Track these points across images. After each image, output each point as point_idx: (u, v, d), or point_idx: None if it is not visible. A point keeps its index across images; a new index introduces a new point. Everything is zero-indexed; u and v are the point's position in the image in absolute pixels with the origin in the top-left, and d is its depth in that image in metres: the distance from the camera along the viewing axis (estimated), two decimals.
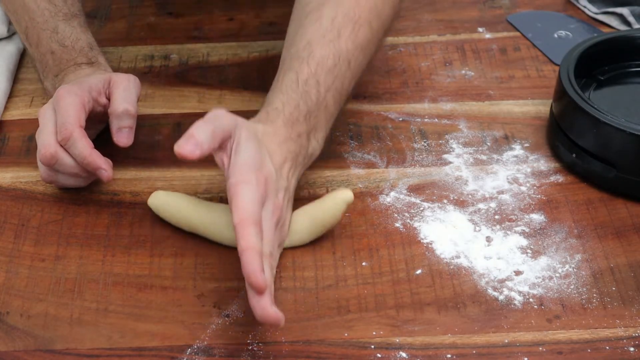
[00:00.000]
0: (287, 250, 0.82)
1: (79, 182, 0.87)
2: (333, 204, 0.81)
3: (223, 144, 0.76)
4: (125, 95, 0.87)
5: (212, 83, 1.04)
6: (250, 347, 0.74)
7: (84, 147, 0.83)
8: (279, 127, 0.81)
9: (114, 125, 0.87)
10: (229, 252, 0.82)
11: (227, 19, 1.15)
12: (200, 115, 0.98)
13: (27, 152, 0.94)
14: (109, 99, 0.87)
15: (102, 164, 0.83)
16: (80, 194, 0.88)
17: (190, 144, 0.73)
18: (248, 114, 0.98)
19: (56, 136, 0.83)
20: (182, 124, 0.97)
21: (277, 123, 0.81)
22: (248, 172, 0.74)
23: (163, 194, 0.84)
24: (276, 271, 0.80)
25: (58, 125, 0.83)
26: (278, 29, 1.12)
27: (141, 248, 0.83)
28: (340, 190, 0.82)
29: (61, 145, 0.83)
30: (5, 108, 1.00)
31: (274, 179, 0.77)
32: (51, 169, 0.84)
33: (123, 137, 0.87)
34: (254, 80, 1.04)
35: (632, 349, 0.74)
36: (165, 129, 0.97)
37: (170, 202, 0.84)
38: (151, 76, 1.05)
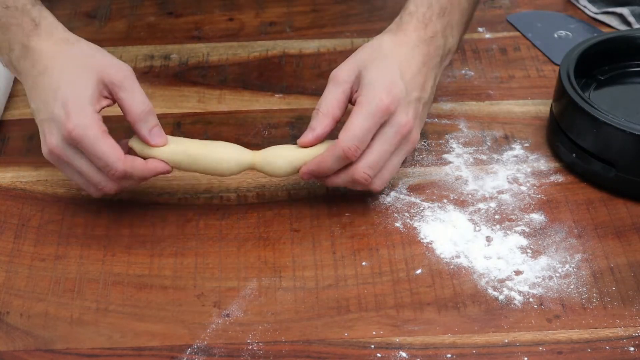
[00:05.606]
0: (287, 250, 0.82)
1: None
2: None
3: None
4: (136, 95, 0.82)
5: (212, 83, 1.04)
6: (250, 347, 0.74)
7: (139, 173, 0.80)
8: (410, 32, 0.84)
9: (143, 129, 0.82)
10: (229, 252, 0.82)
11: (227, 19, 1.15)
12: (200, 114, 0.99)
13: (27, 152, 0.94)
14: (110, 97, 0.82)
15: (161, 168, 0.82)
16: (80, 194, 0.88)
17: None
18: (248, 114, 0.99)
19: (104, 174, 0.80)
20: (182, 123, 0.97)
21: (409, 28, 0.84)
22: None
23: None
24: (276, 271, 0.80)
25: (102, 169, 0.79)
26: (278, 29, 1.12)
27: (141, 248, 0.83)
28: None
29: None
30: (5, 108, 1.00)
31: (403, 97, 0.81)
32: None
33: (158, 136, 0.83)
34: (254, 80, 1.04)
35: (632, 349, 0.74)
36: (165, 129, 0.95)
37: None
38: (151, 76, 1.05)
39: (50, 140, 0.79)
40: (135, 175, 0.81)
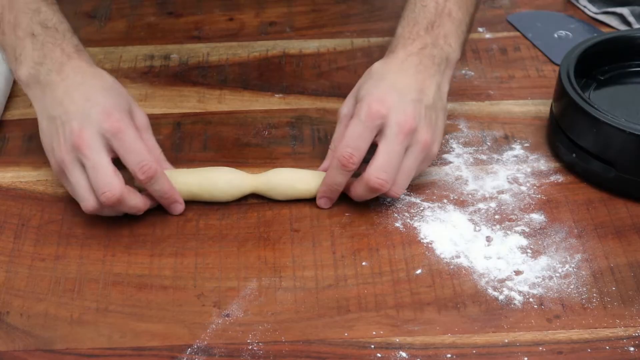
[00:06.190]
0: (287, 250, 0.82)
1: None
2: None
3: None
4: (153, 140, 0.87)
5: (212, 83, 1.04)
6: (250, 347, 0.74)
7: (165, 183, 0.83)
8: (398, 51, 0.86)
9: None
10: (229, 252, 0.82)
11: (227, 19, 1.15)
12: (200, 114, 0.99)
13: (27, 152, 0.94)
14: None
15: (179, 198, 0.85)
16: None
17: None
18: (248, 114, 0.99)
19: (118, 174, 0.80)
20: (182, 123, 0.97)
21: (397, 48, 0.87)
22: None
23: None
24: (276, 271, 0.81)
25: (135, 164, 0.81)
26: (278, 29, 1.12)
27: (141, 248, 0.83)
28: None
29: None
30: (5, 108, 1.00)
31: (397, 101, 0.82)
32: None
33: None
34: (254, 80, 1.04)
35: (632, 349, 0.74)
36: (165, 129, 0.97)
37: None
38: (151, 76, 1.05)
39: (80, 133, 0.80)
40: (156, 186, 0.83)
